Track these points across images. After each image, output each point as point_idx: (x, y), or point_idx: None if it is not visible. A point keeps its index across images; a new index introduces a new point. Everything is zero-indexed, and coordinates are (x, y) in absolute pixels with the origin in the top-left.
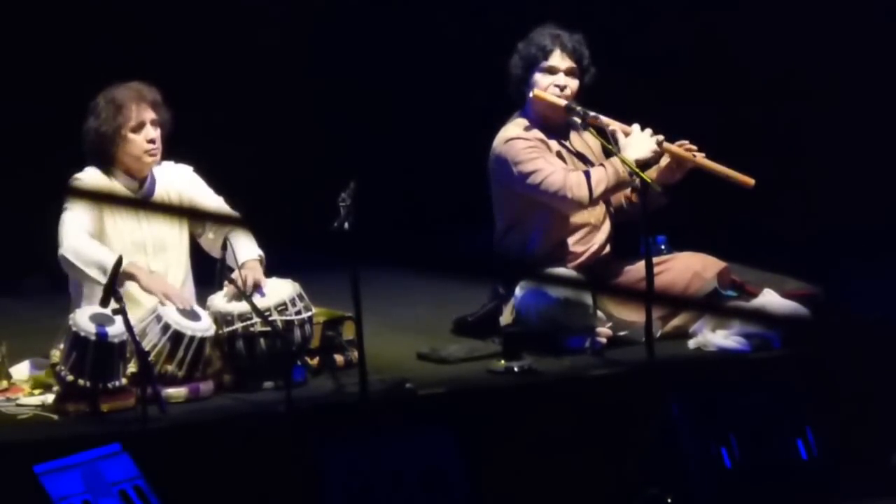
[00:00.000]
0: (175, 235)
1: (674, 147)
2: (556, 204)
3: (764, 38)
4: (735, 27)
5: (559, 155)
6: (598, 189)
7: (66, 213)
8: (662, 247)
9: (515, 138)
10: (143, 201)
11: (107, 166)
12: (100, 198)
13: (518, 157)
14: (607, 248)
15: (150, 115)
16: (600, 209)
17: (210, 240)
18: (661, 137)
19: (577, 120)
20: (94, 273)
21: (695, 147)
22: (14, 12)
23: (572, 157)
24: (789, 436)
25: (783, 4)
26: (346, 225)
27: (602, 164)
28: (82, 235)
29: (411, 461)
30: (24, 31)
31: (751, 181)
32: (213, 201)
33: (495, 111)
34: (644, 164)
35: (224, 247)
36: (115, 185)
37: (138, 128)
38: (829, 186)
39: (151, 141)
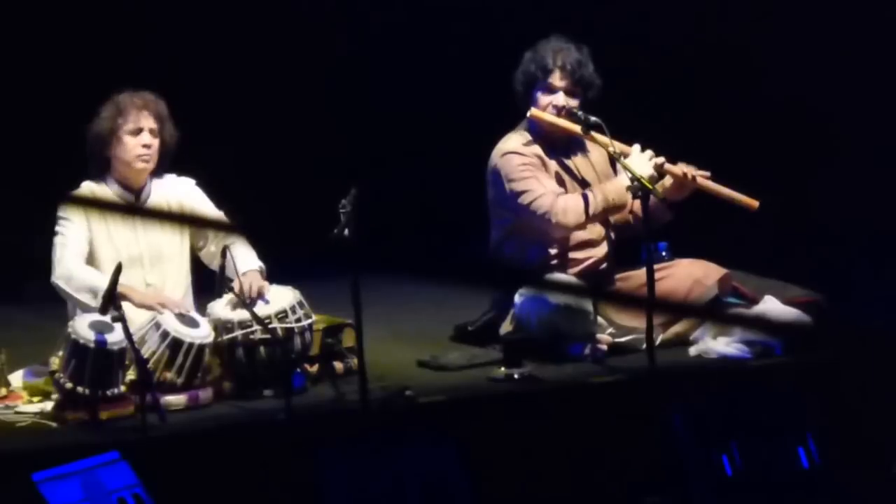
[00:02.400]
0: (175, 247)
1: (675, 169)
2: (542, 226)
3: (769, 41)
4: (739, 31)
5: (557, 174)
6: (585, 215)
7: (56, 238)
8: (664, 253)
9: (512, 153)
10: (139, 208)
11: (103, 173)
12: (97, 205)
13: (511, 174)
14: (607, 262)
15: (149, 122)
16: (599, 227)
17: (211, 253)
18: (661, 160)
19: (579, 128)
20: (85, 298)
21: (694, 169)
22: (21, 22)
23: (571, 176)
24: (791, 444)
25: (786, 10)
26: (347, 232)
27: (591, 191)
28: (73, 261)
29: (412, 468)
30: (29, 40)
31: (755, 203)
32: (214, 214)
33: (498, 117)
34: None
35: (223, 254)
36: (110, 195)
37: (135, 132)
38: (831, 192)
39: (145, 146)
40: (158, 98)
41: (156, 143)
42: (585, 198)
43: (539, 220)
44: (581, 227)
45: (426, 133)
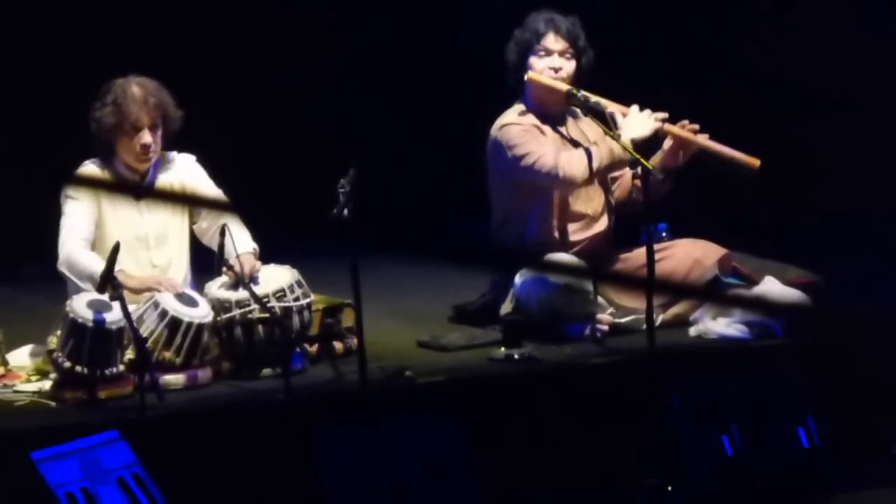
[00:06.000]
0: (177, 225)
1: (675, 128)
2: (549, 183)
3: (771, 20)
4: (742, 10)
5: (555, 142)
6: (591, 166)
7: (63, 220)
8: (664, 234)
9: (510, 124)
10: (143, 187)
11: (108, 155)
12: (101, 185)
13: (512, 140)
14: (606, 239)
15: (147, 119)
16: (598, 201)
17: (203, 229)
18: (660, 116)
19: (578, 108)
20: (86, 285)
21: (697, 127)
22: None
23: (567, 145)
24: (790, 424)
25: None
26: (346, 212)
27: (595, 143)
28: (75, 247)
29: (411, 448)
30: (30, 21)
31: (756, 162)
32: (213, 192)
33: (496, 98)
34: (646, 145)
35: (222, 233)
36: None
37: (134, 131)
38: (832, 174)
39: (144, 146)
40: (158, 85)
41: (156, 136)
42: (589, 151)
43: (545, 177)
44: (588, 181)
45: (425, 113)
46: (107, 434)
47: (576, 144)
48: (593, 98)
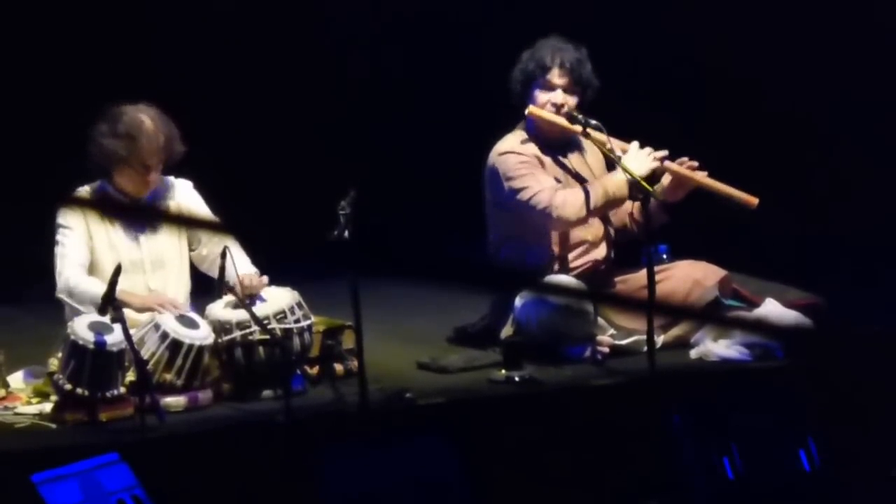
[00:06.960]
0: (174, 250)
1: (674, 165)
2: (542, 221)
3: (766, 45)
4: (737, 35)
5: (554, 173)
6: (586, 208)
7: (56, 248)
8: (664, 255)
9: (509, 152)
10: (139, 207)
11: (105, 178)
12: (96, 206)
13: (509, 172)
14: (606, 264)
15: (156, 159)
16: (598, 227)
17: (202, 256)
18: (660, 154)
19: (579, 128)
20: (88, 310)
21: (696, 164)
22: (20, 19)
23: (568, 176)
24: (791, 446)
25: (789, 13)
26: (346, 233)
27: (590, 185)
28: (73, 274)
29: (411, 470)
30: (29, 38)
31: (754, 200)
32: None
33: (496, 119)
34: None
35: (223, 255)
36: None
37: (144, 169)
38: (832, 196)
39: (148, 181)
40: (167, 119)
41: (158, 170)
42: (585, 191)
43: (539, 215)
44: (582, 221)
45: (425, 135)
46: (107, 456)
47: (576, 176)
48: (593, 121)
